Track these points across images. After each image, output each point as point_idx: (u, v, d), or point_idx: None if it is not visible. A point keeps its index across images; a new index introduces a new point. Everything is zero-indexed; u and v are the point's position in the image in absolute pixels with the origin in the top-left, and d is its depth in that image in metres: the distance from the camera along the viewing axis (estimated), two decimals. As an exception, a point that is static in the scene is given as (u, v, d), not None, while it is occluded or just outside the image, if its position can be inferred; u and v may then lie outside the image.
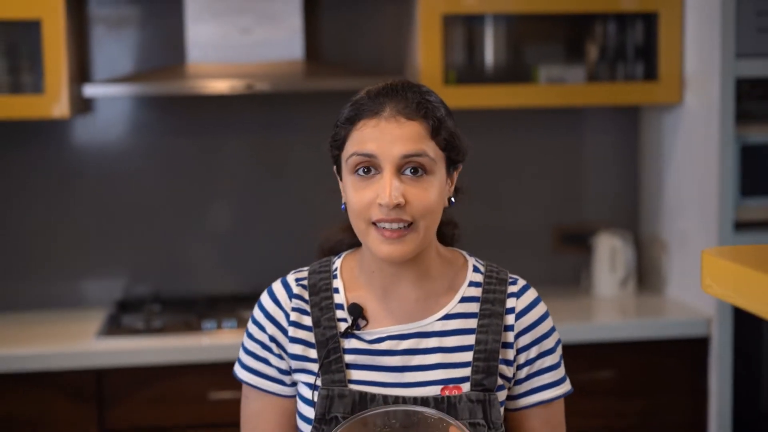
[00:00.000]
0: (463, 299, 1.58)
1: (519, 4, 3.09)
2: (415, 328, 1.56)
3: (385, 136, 1.48)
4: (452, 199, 1.58)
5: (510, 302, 1.58)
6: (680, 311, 3.09)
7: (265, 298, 1.61)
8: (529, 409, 1.60)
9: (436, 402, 1.52)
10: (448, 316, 1.57)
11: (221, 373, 2.78)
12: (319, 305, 1.58)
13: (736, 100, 2.94)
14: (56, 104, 2.90)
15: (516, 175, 3.43)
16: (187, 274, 3.33)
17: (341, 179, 1.56)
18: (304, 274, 1.62)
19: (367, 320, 1.57)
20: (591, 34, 3.24)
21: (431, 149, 1.49)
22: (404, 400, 1.53)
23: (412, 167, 1.48)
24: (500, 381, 1.56)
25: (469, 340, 1.56)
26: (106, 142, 3.28)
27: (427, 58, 3.02)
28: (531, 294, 1.61)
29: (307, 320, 1.58)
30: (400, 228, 1.48)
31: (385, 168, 1.48)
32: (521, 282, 1.61)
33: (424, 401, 1.52)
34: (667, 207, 3.27)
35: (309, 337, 1.57)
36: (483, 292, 1.58)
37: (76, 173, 3.26)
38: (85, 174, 3.27)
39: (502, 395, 1.57)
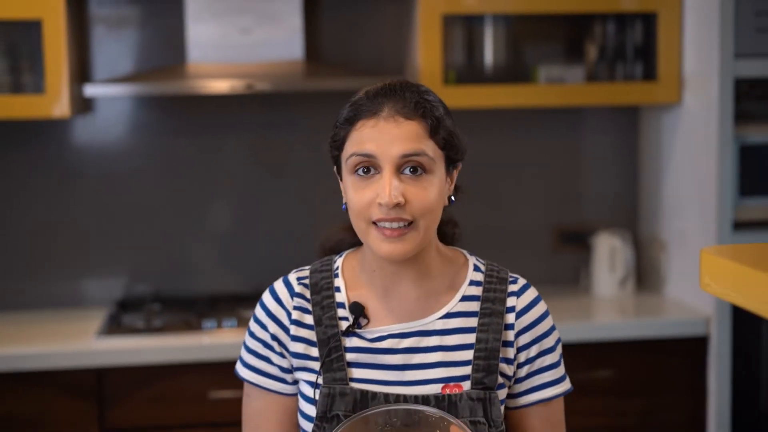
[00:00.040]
0: (464, 298, 1.58)
1: (519, 4, 3.09)
2: (416, 327, 1.57)
3: (384, 136, 1.48)
4: (452, 197, 1.59)
5: (510, 301, 1.59)
6: (679, 311, 3.09)
7: (267, 296, 1.62)
8: (529, 407, 1.61)
9: (437, 400, 1.53)
10: (448, 315, 1.57)
11: (221, 372, 2.79)
12: (321, 304, 1.58)
13: (735, 100, 2.95)
14: (57, 104, 2.90)
15: (516, 175, 3.44)
16: (188, 274, 3.33)
17: (341, 179, 1.57)
18: (306, 273, 1.62)
19: (368, 319, 1.57)
20: (590, 34, 3.24)
21: (430, 148, 1.50)
22: (405, 398, 1.53)
23: (412, 166, 1.49)
24: (500, 379, 1.57)
25: (470, 338, 1.56)
26: (106, 142, 3.28)
27: (426, 58, 3.02)
28: (531, 293, 1.61)
29: (309, 319, 1.58)
30: (401, 227, 1.48)
31: (384, 168, 1.48)
32: (521, 281, 1.62)
33: (425, 399, 1.53)
34: (666, 207, 3.27)
35: (310, 335, 1.58)
36: (483, 291, 1.59)
37: (76, 173, 3.26)
38: (86, 174, 3.27)
39: (502, 393, 1.57)
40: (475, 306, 1.58)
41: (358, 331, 1.57)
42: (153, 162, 3.30)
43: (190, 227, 3.33)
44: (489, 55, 3.19)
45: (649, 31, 3.16)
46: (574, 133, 3.45)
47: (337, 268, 1.62)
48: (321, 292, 1.59)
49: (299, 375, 1.59)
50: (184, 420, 2.85)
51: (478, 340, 1.56)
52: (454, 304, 1.58)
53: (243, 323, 2.96)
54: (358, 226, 1.52)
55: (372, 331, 1.57)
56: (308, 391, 1.57)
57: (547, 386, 1.60)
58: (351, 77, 3.01)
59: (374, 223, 1.49)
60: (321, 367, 1.55)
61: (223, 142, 3.32)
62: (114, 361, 2.81)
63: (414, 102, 1.50)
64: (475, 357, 1.55)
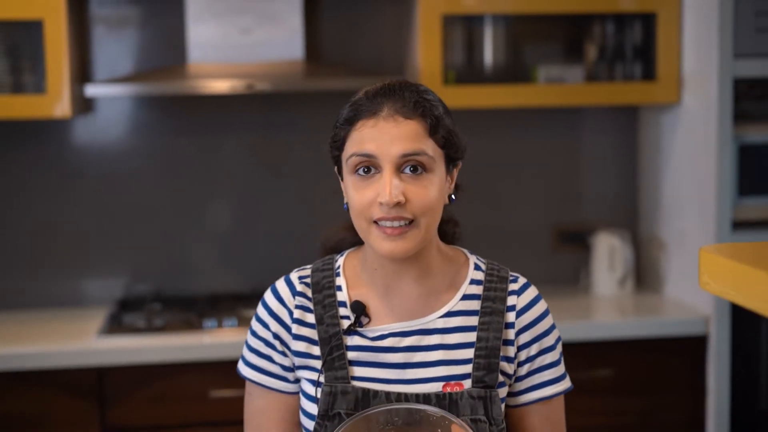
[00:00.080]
0: (465, 297, 1.59)
1: (518, 5, 3.10)
2: (417, 325, 1.57)
3: (384, 136, 1.49)
4: (452, 196, 1.60)
5: (511, 300, 1.59)
6: (678, 310, 3.10)
7: (268, 295, 1.63)
8: (530, 405, 1.61)
9: (438, 398, 1.53)
10: (449, 314, 1.58)
11: (222, 371, 2.80)
12: (322, 303, 1.59)
13: (734, 100, 2.95)
14: (57, 104, 2.91)
15: (515, 174, 3.44)
16: (188, 273, 3.34)
17: (342, 179, 1.57)
18: (308, 272, 1.63)
19: (369, 317, 1.58)
20: (590, 35, 3.25)
21: (430, 147, 1.51)
22: (406, 396, 1.54)
23: (412, 165, 1.50)
24: (501, 378, 1.57)
25: (471, 337, 1.57)
26: (106, 142, 3.29)
27: (426, 58, 3.03)
28: (531, 292, 1.62)
29: (311, 317, 1.59)
30: (402, 225, 1.49)
31: (384, 167, 1.49)
32: (522, 280, 1.63)
33: (426, 398, 1.53)
34: (666, 206, 3.28)
35: (312, 334, 1.58)
36: (484, 290, 1.59)
37: (76, 173, 3.27)
38: (86, 173, 3.27)
39: (503, 392, 1.58)
40: (475, 305, 1.59)
41: (359, 329, 1.57)
42: (153, 162, 3.30)
43: (190, 227, 3.33)
44: (489, 55, 3.20)
45: (648, 31, 3.17)
46: (574, 133, 3.46)
47: (339, 267, 1.62)
48: (322, 290, 1.60)
49: (301, 373, 1.60)
50: (184, 419, 2.85)
51: (478, 338, 1.57)
52: (455, 303, 1.58)
53: (243, 323, 2.96)
54: (360, 225, 1.53)
55: (373, 329, 1.57)
56: (310, 389, 1.58)
57: (548, 384, 1.61)
58: (351, 77, 3.01)
59: (375, 222, 1.50)
60: (323, 365, 1.56)
61: (223, 142, 3.32)
62: (115, 361, 2.81)
63: (413, 101, 1.51)
64: (475, 355, 1.56)
